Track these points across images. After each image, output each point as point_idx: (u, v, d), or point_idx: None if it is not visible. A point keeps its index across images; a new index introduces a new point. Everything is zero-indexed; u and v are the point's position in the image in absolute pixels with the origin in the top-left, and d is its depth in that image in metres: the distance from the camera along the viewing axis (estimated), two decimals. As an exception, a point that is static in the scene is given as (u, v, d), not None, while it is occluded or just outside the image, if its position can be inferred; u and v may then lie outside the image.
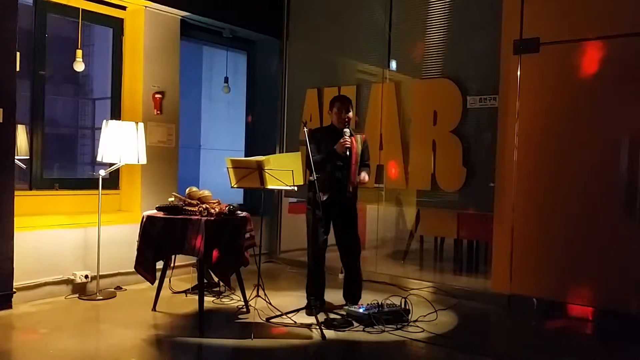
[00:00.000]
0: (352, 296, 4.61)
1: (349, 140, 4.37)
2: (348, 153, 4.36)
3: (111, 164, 4.84)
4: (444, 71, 5.47)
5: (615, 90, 4.45)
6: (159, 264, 4.36)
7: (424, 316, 4.36)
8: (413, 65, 5.75)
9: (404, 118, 5.75)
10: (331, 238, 4.61)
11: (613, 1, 4.47)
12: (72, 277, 4.80)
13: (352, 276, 4.64)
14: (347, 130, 4.43)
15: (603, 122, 4.49)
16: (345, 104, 4.51)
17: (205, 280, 4.51)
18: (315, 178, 4.24)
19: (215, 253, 4.06)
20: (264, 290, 4.53)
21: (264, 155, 4.49)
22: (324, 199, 4.38)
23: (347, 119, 4.48)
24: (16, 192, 4.39)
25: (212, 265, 4.23)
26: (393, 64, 5.95)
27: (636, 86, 4.34)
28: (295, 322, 4.16)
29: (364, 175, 4.50)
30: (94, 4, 5.24)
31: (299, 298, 4.71)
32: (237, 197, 6.56)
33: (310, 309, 4.31)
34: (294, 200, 6.71)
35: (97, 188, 4.80)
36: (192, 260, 4.92)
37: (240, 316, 4.37)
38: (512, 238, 4.89)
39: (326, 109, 6.15)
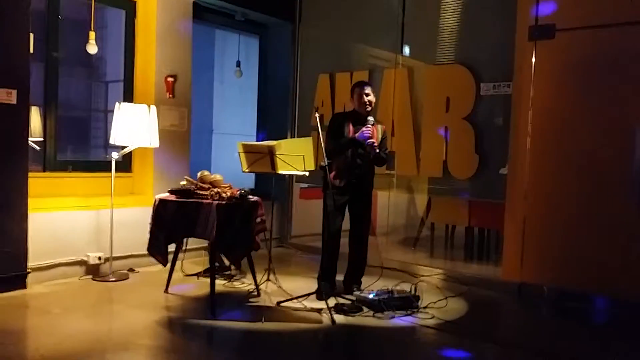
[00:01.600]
0: (354, 279, 4.65)
1: (371, 128, 4.38)
2: (369, 142, 4.36)
3: (124, 147, 4.86)
4: (458, 57, 5.42)
5: (632, 78, 4.39)
6: (171, 247, 4.39)
7: (434, 303, 4.37)
8: (426, 50, 5.70)
9: (416, 104, 5.72)
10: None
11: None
12: (86, 259, 4.85)
13: (358, 260, 4.69)
14: (370, 118, 4.44)
15: (619, 111, 4.44)
16: (364, 87, 4.52)
17: (216, 264, 4.54)
18: (326, 163, 4.25)
19: (226, 237, 4.07)
20: (274, 274, 4.56)
21: (275, 140, 4.50)
22: (341, 184, 4.39)
23: (368, 102, 4.49)
24: (30, 174, 4.42)
25: (223, 249, 4.26)
26: (406, 49, 5.90)
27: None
28: (305, 306, 4.19)
29: (373, 140, 4.39)
30: (107, -14, 5.23)
31: (309, 283, 4.73)
32: (249, 181, 6.57)
33: (320, 294, 4.33)
34: (305, 185, 6.71)
35: (110, 171, 4.83)
36: (204, 243, 4.95)
37: (251, 299, 4.40)
38: (524, 226, 4.87)
39: (338, 93, 6.20)
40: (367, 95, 4.49)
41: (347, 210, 4.60)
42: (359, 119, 4.50)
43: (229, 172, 5.10)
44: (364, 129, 4.38)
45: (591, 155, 4.54)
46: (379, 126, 4.60)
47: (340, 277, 4.72)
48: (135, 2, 5.50)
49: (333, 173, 4.41)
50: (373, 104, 4.59)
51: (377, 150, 4.41)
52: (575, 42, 4.64)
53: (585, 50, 4.60)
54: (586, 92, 4.58)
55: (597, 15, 4.52)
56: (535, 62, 4.83)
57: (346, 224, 4.63)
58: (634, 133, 4.37)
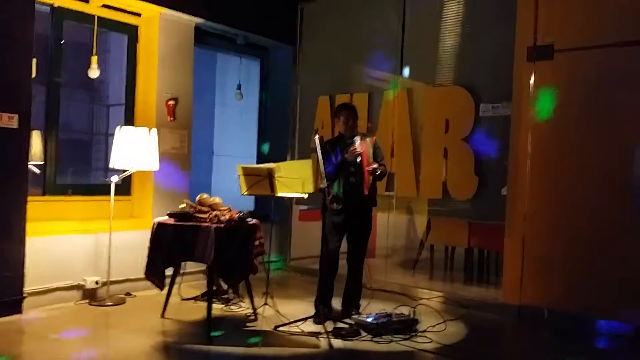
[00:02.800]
0: (351, 302, 4.63)
1: (358, 147, 4.40)
2: (359, 160, 4.39)
3: (124, 170, 4.88)
4: (457, 79, 5.44)
5: (631, 99, 4.39)
6: (169, 271, 4.37)
7: (433, 326, 4.33)
8: (426, 72, 5.73)
9: (415, 125, 5.73)
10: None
11: (628, 8, 4.41)
12: (83, 283, 4.83)
13: (355, 282, 4.67)
14: (356, 138, 4.45)
15: (617, 131, 4.43)
16: (349, 111, 4.60)
17: (214, 287, 4.52)
18: (325, 185, 4.25)
19: (224, 260, 4.06)
20: (272, 298, 4.54)
21: (275, 162, 4.50)
22: (338, 207, 4.39)
23: (354, 126, 4.55)
24: (29, 197, 4.44)
25: (221, 272, 4.24)
26: (406, 71, 5.93)
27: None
28: (303, 330, 4.15)
29: (374, 164, 4.43)
30: (110, 10, 5.30)
31: (307, 306, 4.70)
32: (249, 203, 6.57)
33: (318, 318, 4.29)
34: (305, 207, 6.70)
35: (110, 194, 4.84)
36: (202, 267, 4.94)
37: (248, 324, 4.36)
38: (524, 248, 4.84)
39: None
40: (355, 120, 4.56)
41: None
42: (345, 140, 4.53)
43: (229, 194, 5.11)
44: (351, 149, 4.39)
45: (591, 176, 4.52)
46: (368, 139, 4.62)
47: (338, 300, 4.68)
48: (137, 26, 5.57)
49: (330, 197, 4.40)
50: (356, 126, 4.61)
51: (376, 170, 4.41)
52: (573, 62, 4.65)
53: (584, 71, 4.60)
54: (585, 112, 4.58)
55: (595, 36, 4.54)
56: (534, 82, 4.84)
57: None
58: (634, 152, 4.35)
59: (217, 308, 4.66)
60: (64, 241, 4.75)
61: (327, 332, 3.97)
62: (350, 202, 4.45)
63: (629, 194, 4.35)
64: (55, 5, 4.94)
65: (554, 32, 4.74)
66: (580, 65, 4.62)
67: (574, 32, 4.66)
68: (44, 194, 4.92)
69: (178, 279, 4.59)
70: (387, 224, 6.06)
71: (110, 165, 4.83)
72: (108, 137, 6.00)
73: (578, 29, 4.64)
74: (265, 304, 4.49)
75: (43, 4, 4.83)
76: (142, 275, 4.32)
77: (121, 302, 4.84)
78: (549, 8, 4.78)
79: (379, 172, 4.43)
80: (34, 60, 4.47)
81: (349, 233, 4.58)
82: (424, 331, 4.22)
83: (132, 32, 5.56)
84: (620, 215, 4.37)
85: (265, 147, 6.93)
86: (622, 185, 4.38)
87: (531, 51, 4.86)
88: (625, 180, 4.38)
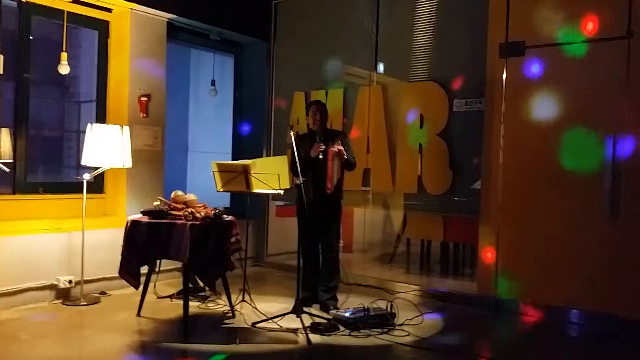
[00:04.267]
0: (325, 285, 4.69)
1: (322, 146, 4.53)
2: (321, 156, 4.51)
3: (96, 168, 4.80)
4: (431, 74, 5.49)
5: (599, 92, 4.48)
6: (144, 269, 4.33)
7: (410, 320, 4.37)
8: (400, 68, 5.76)
9: (391, 121, 5.76)
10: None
11: (596, 5, 4.50)
12: (56, 283, 4.75)
13: (325, 268, 4.76)
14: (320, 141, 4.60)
15: (587, 124, 4.52)
16: (317, 105, 4.76)
17: (190, 285, 4.48)
18: (301, 182, 4.27)
19: (200, 258, 4.03)
20: (249, 294, 4.52)
21: (250, 158, 4.49)
22: (310, 199, 4.44)
23: (323, 121, 4.71)
24: (-1, 197, 4.34)
25: (197, 269, 4.21)
26: (380, 67, 5.95)
27: (619, 87, 4.38)
28: (281, 326, 4.15)
29: (338, 147, 4.52)
30: (79, 6, 5.19)
31: (285, 302, 4.70)
32: (225, 200, 6.53)
33: (297, 310, 4.29)
34: (281, 203, 6.69)
35: (82, 192, 4.76)
36: (177, 264, 4.90)
37: (225, 321, 4.34)
38: (498, 240, 4.91)
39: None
40: (320, 113, 4.69)
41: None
42: (314, 136, 4.66)
43: (205, 191, 5.07)
44: (315, 145, 4.54)
45: (563, 169, 4.60)
46: (337, 137, 4.70)
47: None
48: (108, 22, 5.47)
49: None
50: (324, 122, 4.75)
51: (341, 152, 4.50)
52: (544, 58, 4.72)
53: (555, 66, 4.68)
54: (556, 106, 4.66)
55: (565, 33, 4.62)
56: (506, 78, 4.91)
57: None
58: (604, 146, 4.44)
59: (194, 306, 4.63)
60: (36, 240, 4.66)
61: (305, 328, 3.97)
62: (318, 198, 4.53)
63: (600, 185, 4.44)
64: (23, 0, 4.82)
65: (525, 28, 4.81)
66: (551, 60, 4.70)
67: (544, 28, 4.73)
68: (14, 193, 4.81)
69: (153, 277, 4.54)
70: (363, 219, 6.10)
71: (82, 163, 4.75)
72: (80, 134, 5.89)
73: (549, 26, 4.71)
74: (243, 300, 4.47)
75: (10, -1, 4.73)
76: (117, 274, 4.26)
77: (96, 301, 4.77)
78: (521, 5, 4.84)
79: (344, 154, 4.53)
80: (1, 57, 4.37)
81: (318, 225, 4.63)
82: (402, 325, 4.26)
83: (102, 28, 5.47)
84: (593, 208, 4.46)
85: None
86: (594, 177, 4.47)
87: (503, 47, 4.92)
88: (596, 172, 4.47)
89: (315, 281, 4.81)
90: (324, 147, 4.53)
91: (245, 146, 6.85)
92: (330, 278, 4.75)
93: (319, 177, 4.57)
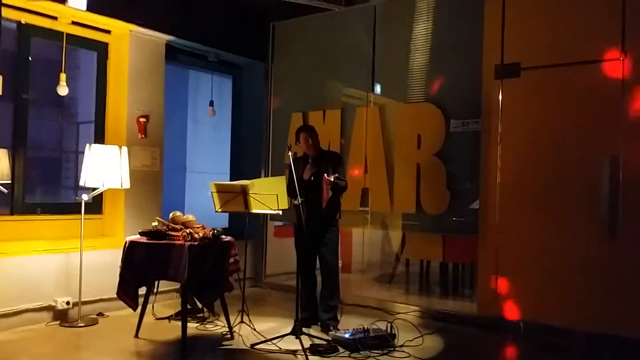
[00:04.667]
0: (325, 304, 4.68)
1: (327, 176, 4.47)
2: (312, 178, 4.58)
3: (94, 189, 4.80)
4: (428, 95, 5.54)
5: (595, 114, 4.53)
6: (142, 290, 4.30)
7: (410, 341, 4.34)
8: (397, 89, 5.81)
9: (388, 141, 5.79)
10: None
11: (591, 27, 4.57)
12: (53, 304, 4.71)
13: (325, 289, 4.74)
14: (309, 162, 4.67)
15: (583, 145, 4.56)
16: (306, 132, 4.76)
17: (188, 306, 4.45)
18: (300, 202, 4.28)
19: (198, 278, 4.01)
20: (248, 315, 4.50)
21: (248, 179, 4.50)
22: (301, 221, 4.44)
23: (316, 144, 4.74)
24: (-4, 218, 4.33)
25: (195, 290, 4.19)
26: (377, 88, 6.01)
27: (614, 109, 4.42)
28: (280, 348, 4.11)
29: (330, 175, 4.49)
30: (79, 27, 5.24)
31: (284, 323, 4.66)
32: (223, 220, 6.52)
33: (297, 331, 4.26)
34: (280, 223, 6.68)
35: (80, 213, 4.75)
36: (176, 285, 4.87)
37: (224, 342, 4.30)
38: (497, 261, 4.91)
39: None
40: (306, 139, 4.70)
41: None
42: (306, 160, 4.73)
43: (203, 211, 5.06)
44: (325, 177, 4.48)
45: (560, 188, 4.62)
46: (328, 157, 4.78)
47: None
48: (107, 43, 5.51)
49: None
50: (315, 145, 4.75)
51: (333, 181, 4.46)
52: (539, 79, 4.78)
53: (550, 88, 4.74)
54: (552, 127, 4.70)
55: (560, 54, 4.68)
56: (502, 99, 4.96)
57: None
58: (600, 166, 4.47)
59: (192, 327, 4.59)
60: (34, 261, 4.63)
61: (304, 349, 3.94)
62: (310, 217, 4.49)
63: (597, 205, 4.46)
64: (23, 21, 4.86)
65: (520, 50, 4.87)
66: (546, 82, 4.75)
67: (539, 50, 4.79)
68: (12, 214, 4.80)
69: (151, 298, 4.51)
70: (362, 240, 6.09)
71: (81, 184, 4.75)
72: (78, 154, 5.89)
73: (543, 48, 4.78)
74: (241, 321, 4.45)
75: (10, 20, 4.76)
76: (115, 295, 4.23)
77: (93, 322, 4.73)
78: (516, 27, 4.91)
79: (334, 181, 4.46)
80: (0, 78, 4.38)
81: (316, 247, 4.65)
82: (402, 346, 4.22)
83: (101, 49, 5.51)
84: (592, 228, 4.47)
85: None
86: (591, 197, 4.50)
87: (498, 69, 4.98)
88: (593, 192, 4.49)
89: (313, 302, 4.79)
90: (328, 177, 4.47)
91: (244, 167, 6.86)
92: (329, 297, 4.72)
93: (312, 199, 4.56)
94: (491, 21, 5.04)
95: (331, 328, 4.53)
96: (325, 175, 4.46)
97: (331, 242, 4.75)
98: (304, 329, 4.34)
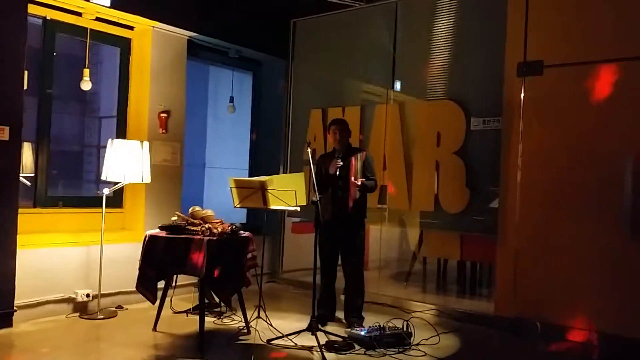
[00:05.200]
0: (350, 312, 4.69)
1: (340, 162, 4.57)
2: (338, 173, 4.56)
3: (115, 183, 4.86)
4: (448, 93, 5.49)
5: (619, 112, 4.44)
6: (161, 284, 4.35)
7: (427, 339, 4.32)
8: (417, 86, 5.78)
9: (407, 139, 5.76)
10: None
11: (616, 24, 4.49)
12: (74, 296, 4.79)
13: (350, 293, 4.75)
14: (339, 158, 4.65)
15: (606, 144, 4.48)
16: (335, 124, 4.80)
17: (206, 301, 4.49)
18: (318, 199, 4.28)
19: (216, 273, 4.04)
20: (265, 311, 4.51)
21: (267, 174, 4.51)
22: (327, 217, 4.46)
23: (343, 139, 4.73)
24: (20, 210, 4.40)
25: (213, 285, 4.22)
26: (397, 85, 5.98)
27: (638, 108, 4.34)
28: (296, 344, 4.13)
29: (359, 179, 4.57)
30: (102, 23, 5.31)
31: (300, 319, 4.68)
32: (241, 216, 6.56)
33: (313, 328, 4.28)
34: (297, 220, 6.69)
35: (101, 206, 4.82)
36: (194, 280, 4.91)
37: (240, 337, 4.33)
38: (516, 260, 4.86)
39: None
40: (334, 132, 4.74)
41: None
42: (333, 155, 4.72)
43: (221, 206, 5.10)
44: (333, 161, 4.60)
45: (581, 188, 4.55)
46: (359, 154, 4.75)
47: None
48: (130, 39, 5.58)
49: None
50: (345, 140, 4.77)
51: (360, 185, 4.51)
52: (563, 77, 4.71)
53: (573, 86, 4.66)
54: (574, 126, 4.63)
55: (584, 52, 4.61)
56: (524, 97, 4.89)
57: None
58: (622, 165, 4.39)
59: (210, 321, 4.63)
60: (55, 254, 4.71)
61: (320, 346, 3.95)
62: (337, 215, 4.56)
63: (619, 205, 4.39)
64: (48, 17, 4.94)
65: (544, 47, 4.80)
66: (570, 80, 4.68)
67: (563, 48, 4.72)
68: (34, 206, 4.89)
69: (170, 292, 4.56)
70: (379, 237, 6.07)
71: (102, 178, 4.81)
72: (100, 149, 5.99)
73: (567, 45, 4.70)
74: (258, 317, 4.47)
75: (35, 16, 4.84)
76: (134, 288, 4.28)
77: (112, 315, 4.80)
78: (539, 24, 4.85)
79: (360, 186, 4.57)
80: (26, 73, 4.46)
81: (341, 245, 4.66)
82: (418, 344, 4.21)
83: (124, 45, 5.57)
84: (613, 227, 4.40)
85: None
86: (613, 197, 4.42)
87: (521, 66, 4.92)
88: (615, 192, 4.41)
89: (332, 299, 4.80)
90: (341, 163, 4.56)
91: (262, 163, 6.89)
92: (356, 297, 4.74)
93: (337, 195, 4.58)
94: (514, 18, 4.97)
95: (355, 325, 4.52)
96: (352, 178, 4.47)
97: (358, 242, 4.75)
98: (320, 326, 4.34)
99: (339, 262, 4.82)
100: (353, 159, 4.67)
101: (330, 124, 4.93)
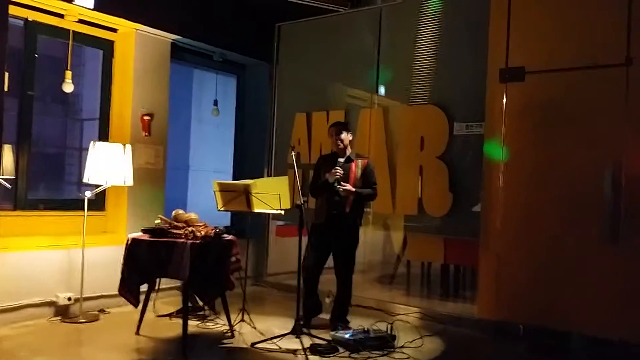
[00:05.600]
0: (336, 316, 4.70)
1: (340, 170, 4.52)
2: (336, 184, 4.50)
3: (97, 185, 4.82)
4: (432, 98, 5.54)
5: (598, 118, 4.52)
6: (144, 287, 4.32)
7: (410, 342, 4.35)
8: (401, 91, 5.82)
9: (391, 143, 5.80)
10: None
11: (596, 33, 4.56)
12: (55, 299, 4.73)
13: (340, 296, 4.74)
14: (340, 161, 4.61)
15: (586, 149, 4.54)
16: (335, 127, 4.75)
17: (189, 304, 4.47)
18: (302, 202, 4.29)
19: (200, 277, 4.03)
20: (249, 314, 4.51)
21: (251, 178, 4.51)
22: (319, 221, 4.49)
23: (339, 142, 4.67)
24: (0, 213, 4.34)
25: (197, 288, 4.20)
26: (382, 90, 6.02)
27: (618, 114, 4.42)
28: (280, 347, 4.12)
29: (348, 186, 4.54)
30: (85, 25, 5.27)
31: (284, 322, 4.67)
32: (225, 219, 6.54)
33: (297, 331, 4.29)
34: (282, 223, 6.69)
35: (83, 209, 4.77)
36: (177, 283, 4.88)
37: (224, 341, 4.32)
38: (498, 264, 4.91)
39: (314, 132, 6.28)
40: (339, 135, 4.67)
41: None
42: (335, 159, 4.66)
43: (205, 209, 5.08)
44: (332, 170, 4.53)
45: (562, 193, 4.62)
46: (359, 161, 4.72)
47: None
48: (113, 41, 5.54)
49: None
50: (345, 143, 4.71)
51: (349, 191, 4.49)
52: (544, 84, 4.78)
53: (554, 92, 4.73)
54: (555, 132, 4.70)
55: (565, 59, 4.68)
56: (506, 103, 4.95)
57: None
58: (603, 172, 4.47)
59: (193, 325, 4.60)
60: (36, 257, 4.66)
61: (304, 349, 3.95)
62: (332, 219, 4.54)
63: (599, 210, 4.46)
64: (29, 19, 4.89)
65: (525, 54, 4.87)
66: (550, 87, 4.75)
67: (544, 54, 4.80)
68: (15, 209, 4.82)
69: (153, 296, 4.53)
70: (363, 240, 6.07)
71: (84, 180, 4.77)
72: (82, 151, 5.93)
73: (548, 52, 4.78)
74: (242, 320, 4.46)
75: (16, 17, 4.79)
76: (116, 292, 4.25)
77: (95, 319, 4.75)
78: (521, 31, 4.91)
79: (353, 194, 4.53)
80: (7, 74, 4.40)
81: (333, 249, 4.65)
82: (402, 347, 4.24)
83: (107, 47, 5.53)
84: (593, 232, 4.46)
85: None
86: (593, 202, 4.49)
87: (503, 72, 4.98)
88: (597, 195, 4.49)
89: (317, 302, 4.78)
90: (340, 173, 4.52)
91: (247, 166, 6.88)
92: (345, 302, 4.75)
93: (333, 200, 4.57)
94: (496, 25, 5.03)
95: (339, 327, 4.52)
96: (342, 188, 4.47)
97: (351, 248, 4.74)
98: (306, 321, 4.35)
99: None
100: (353, 165, 4.66)
101: (331, 126, 4.86)
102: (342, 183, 4.53)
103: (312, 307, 4.73)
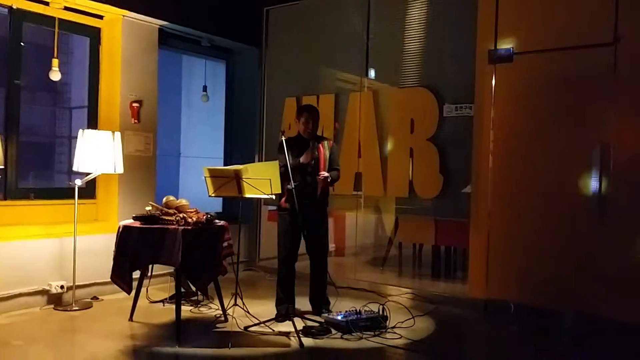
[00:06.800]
0: (318, 299, 4.69)
1: (316, 153, 4.53)
2: (314, 162, 4.52)
3: (87, 174, 4.81)
4: (421, 80, 5.54)
5: (586, 99, 4.55)
6: (136, 274, 4.33)
7: (402, 322, 4.40)
8: (391, 74, 5.82)
9: (382, 126, 5.81)
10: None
11: (584, 13, 4.57)
12: (48, 288, 4.74)
13: (317, 279, 4.72)
14: (314, 143, 4.60)
15: (575, 129, 4.58)
16: (308, 113, 4.64)
17: (182, 290, 4.48)
18: (293, 186, 4.29)
19: (192, 262, 4.04)
20: (242, 298, 4.53)
21: (242, 163, 4.51)
22: (293, 206, 4.43)
23: (314, 129, 4.64)
24: (-10, 202, 4.34)
25: (189, 274, 4.22)
26: (371, 73, 6.01)
27: (606, 95, 4.44)
28: (273, 330, 4.16)
29: (324, 173, 4.54)
30: (71, 13, 5.21)
31: (277, 306, 4.70)
32: (217, 205, 6.54)
33: (281, 317, 4.32)
34: (273, 208, 6.69)
35: (74, 198, 4.76)
36: (170, 269, 4.90)
37: (218, 325, 4.35)
38: (488, 244, 4.96)
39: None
40: (307, 122, 4.61)
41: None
42: (304, 142, 4.61)
43: (197, 195, 5.08)
44: (307, 152, 4.50)
45: (552, 172, 4.66)
46: (326, 142, 4.71)
47: (305, 299, 4.75)
48: (99, 28, 5.49)
49: (284, 198, 4.48)
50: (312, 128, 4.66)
51: (328, 178, 4.52)
52: (532, 64, 4.79)
53: (542, 73, 4.75)
54: (544, 112, 4.73)
55: (552, 40, 4.69)
56: (495, 84, 4.97)
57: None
58: (592, 151, 4.51)
59: (186, 310, 4.63)
60: (28, 246, 4.65)
61: (297, 331, 3.99)
62: (304, 202, 4.47)
63: (587, 190, 4.51)
64: (14, 7, 4.83)
65: (514, 35, 4.87)
66: (538, 67, 4.76)
67: (532, 35, 4.80)
68: (5, 199, 4.81)
69: (145, 282, 4.55)
70: (355, 223, 6.12)
71: (74, 169, 4.76)
72: (71, 140, 5.90)
73: (537, 33, 4.78)
74: (235, 304, 4.48)
75: (1, 5, 4.73)
76: (109, 279, 4.26)
77: (88, 306, 4.77)
78: (509, 12, 4.91)
79: (329, 179, 4.55)
80: (-7, 63, 4.38)
81: (305, 232, 4.57)
82: (394, 327, 4.28)
83: (94, 34, 5.48)
84: (582, 209, 4.52)
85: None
86: (582, 181, 4.53)
87: (492, 54, 4.98)
88: (585, 175, 4.53)
89: (292, 289, 4.71)
90: (316, 154, 4.53)
91: (237, 151, 6.87)
92: (323, 283, 4.75)
93: (309, 184, 4.56)
94: (485, 6, 5.03)
95: (324, 310, 4.57)
96: (320, 175, 4.47)
97: (324, 231, 4.75)
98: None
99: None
100: (321, 147, 4.63)
101: (301, 110, 4.73)
102: (321, 173, 4.52)
103: (290, 293, 4.69)
